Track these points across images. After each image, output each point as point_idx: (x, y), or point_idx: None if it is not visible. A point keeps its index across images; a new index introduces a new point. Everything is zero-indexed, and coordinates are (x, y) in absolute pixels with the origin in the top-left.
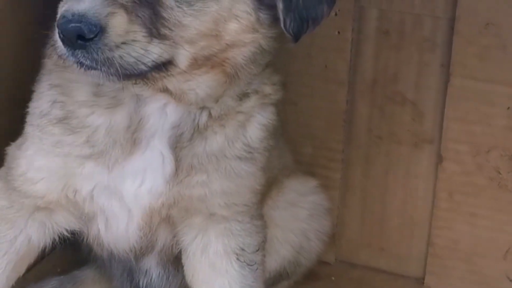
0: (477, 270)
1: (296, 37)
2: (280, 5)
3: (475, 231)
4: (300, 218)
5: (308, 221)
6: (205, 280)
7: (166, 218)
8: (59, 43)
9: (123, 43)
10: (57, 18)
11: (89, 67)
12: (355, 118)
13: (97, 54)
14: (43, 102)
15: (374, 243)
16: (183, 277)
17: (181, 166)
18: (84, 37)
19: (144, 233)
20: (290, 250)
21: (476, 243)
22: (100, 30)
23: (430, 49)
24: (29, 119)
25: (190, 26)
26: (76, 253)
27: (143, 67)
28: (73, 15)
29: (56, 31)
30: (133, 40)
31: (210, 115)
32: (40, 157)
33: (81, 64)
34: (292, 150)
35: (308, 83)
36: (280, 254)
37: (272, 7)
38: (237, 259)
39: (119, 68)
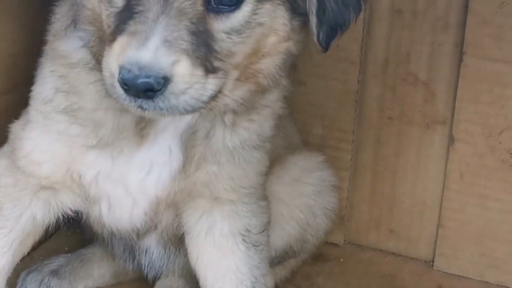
0: (487, 252)
1: (327, 47)
2: (313, 19)
3: (485, 213)
4: (305, 194)
5: (314, 197)
6: (211, 262)
7: (171, 202)
8: (119, 90)
9: (187, 88)
10: (117, 66)
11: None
12: (367, 98)
13: (163, 103)
14: (45, 89)
15: (384, 225)
16: (185, 259)
17: (190, 161)
18: (152, 90)
19: (149, 217)
20: (296, 227)
21: (486, 225)
22: (166, 80)
23: (443, 29)
24: (33, 103)
25: (239, 52)
26: (83, 232)
27: (201, 105)
28: (140, 69)
29: (116, 79)
30: (195, 83)
31: (235, 112)
32: (44, 141)
33: (143, 109)
34: (302, 131)
35: (319, 63)
36: (286, 230)
37: (303, 14)
38: (243, 240)
39: (182, 111)
